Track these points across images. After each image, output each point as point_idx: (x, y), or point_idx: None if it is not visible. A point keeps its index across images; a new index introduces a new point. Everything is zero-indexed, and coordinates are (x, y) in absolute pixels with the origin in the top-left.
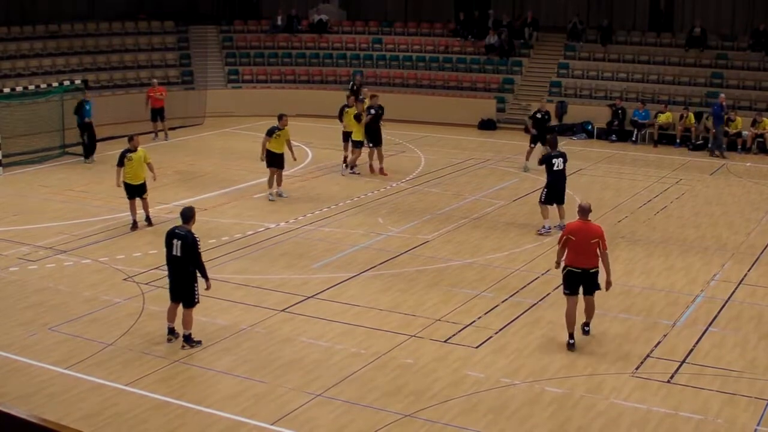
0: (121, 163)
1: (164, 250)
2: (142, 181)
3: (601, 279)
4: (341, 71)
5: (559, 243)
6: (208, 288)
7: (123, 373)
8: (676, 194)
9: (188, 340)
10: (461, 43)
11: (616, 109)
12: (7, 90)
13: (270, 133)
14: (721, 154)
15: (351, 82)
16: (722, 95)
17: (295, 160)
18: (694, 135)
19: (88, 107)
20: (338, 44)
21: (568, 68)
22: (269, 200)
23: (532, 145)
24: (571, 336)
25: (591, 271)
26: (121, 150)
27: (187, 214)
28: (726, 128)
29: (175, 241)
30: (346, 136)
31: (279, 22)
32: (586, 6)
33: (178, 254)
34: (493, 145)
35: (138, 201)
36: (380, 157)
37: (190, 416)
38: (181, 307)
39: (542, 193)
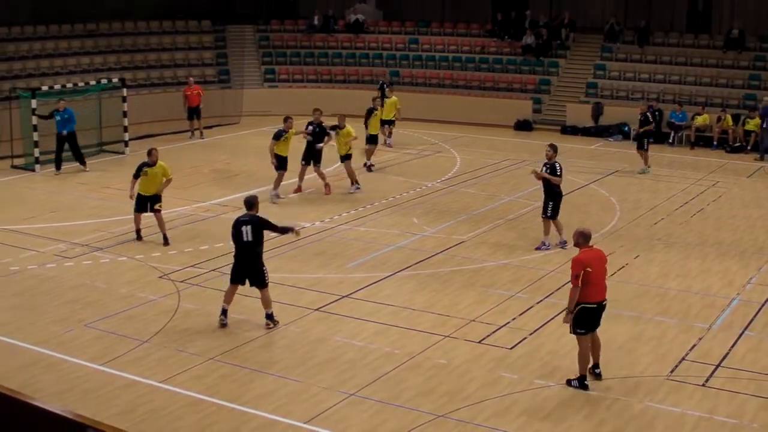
0: (137, 176)
1: (231, 243)
2: (154, 193)
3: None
4: (377, 71)
5: (575, 281)
6: (298, 233)
7: (158, 370)
8: (713, 197)
9: (270, 318)
10: (498, 44)
11: (653, 110)
12: (45, 88)
13: (278, 137)
14: (762, 156)
15: (381, 81)
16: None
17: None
18: (732, 137)
19: (59, 118)
20: (374, 44)
21: (605, 69)
22: (273, 203)
23: (641, 151)
24: (585, 377)
25: (605, 303)
26: (139, 162)
27: (251, 202)
28: None
29: (243, 228)
30: (374, 138)
31: (315, 22)
32: (624, 7)
33: (250, 239)
34: (529, 146)
35: (144, 215)
36: (320, 176)
37: (224, 414)
38: (248, 288)
39: (548, 207)
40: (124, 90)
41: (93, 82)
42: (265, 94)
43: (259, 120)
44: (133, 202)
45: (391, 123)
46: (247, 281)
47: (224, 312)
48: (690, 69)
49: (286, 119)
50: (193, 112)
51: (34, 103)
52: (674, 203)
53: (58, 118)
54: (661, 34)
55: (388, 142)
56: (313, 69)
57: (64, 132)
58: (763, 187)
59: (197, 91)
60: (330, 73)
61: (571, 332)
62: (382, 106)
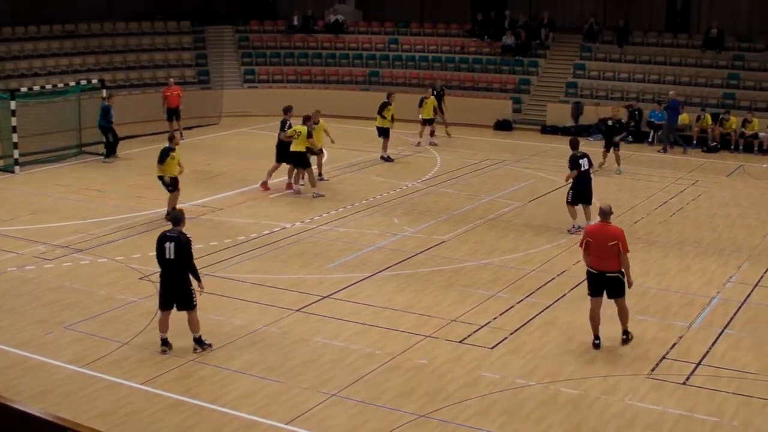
0: (163, 161)
1: (154, 255)
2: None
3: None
4: (357, 71)
5: (581, 246)
6: (201, 289)
7: (138, 372)
8: (693, 196)
9: (199, 342)
10: (477, 44)
11: (633, 110)
12: (24, 89)
13: (310, 134)
14: (664, 149)
15: (432, 88)
16: (672, 92)
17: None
18: (711, 136)
19: (112, 112)
20: (354, 44)
21: (585, 69)
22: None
23: (605, 150)
24: (597, 336)
25: (608, 274)
26: (163, 148)
27: (178, 217)
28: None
29: (167, 244)
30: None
31: (295, 23)
32: (603, 7)
33: (172, 257)
34: (509, 146)
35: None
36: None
37: (205, 415)
38: (174, 314)
39: (568, 193)
40: (104, 91)
41: (72, 84)
42: (245, 94)
43: (238, 121)
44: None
45: (430, 122)
46: (175, 306)
47: (164, 342)
48: (669, 68)
49: (311, 115)
50: (173, 113)
51: (13, 104)
52: (654, 202)
53: (112, 112)
54: (640, 33)
55: (419, 141)
56: (293, 69)
57: (112, 122)
58: (742, 186)
59: (177, 92)
60: (310, 73)
61: None
62: (442, 112)
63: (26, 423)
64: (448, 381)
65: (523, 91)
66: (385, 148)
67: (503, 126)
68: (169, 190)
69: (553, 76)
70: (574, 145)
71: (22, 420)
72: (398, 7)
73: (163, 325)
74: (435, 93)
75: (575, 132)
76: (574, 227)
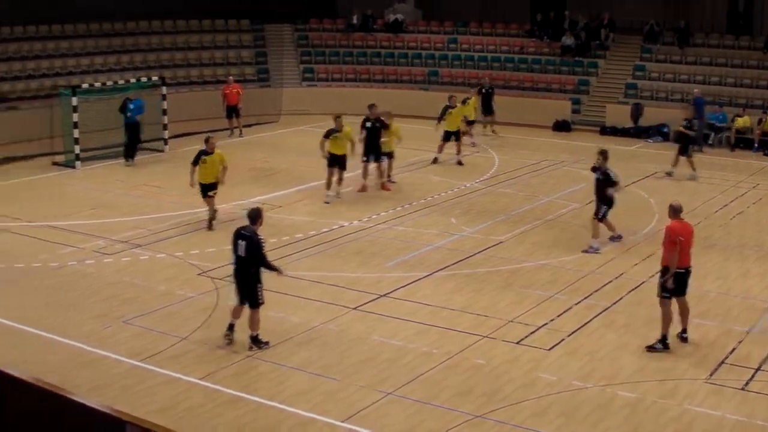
0: (195, 162)
1: (231, 249)
2: (212, 181)
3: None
4: (416, 71)
5: (670, 248)
6: (280, 274)
7: (196, 367)
8: (753, 199)
9: (256, 341)
10: (536, 44)
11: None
12: (85, 86)
13: (328, 134)
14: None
15: (479, 86)
16: (696, 90)
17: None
18: None
19: (132, 106)
20: (413, 44)
21: (645, 70)
22: (325, 203)
23: (678, 155)
24: (666, 337)
25: (690, 269)
26: (198, 150)
27: (254, 215)
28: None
29: (240, 241)
30: (447, 135)
31: (354, 21)
32: (663, 8)
33: (243, 255)
34: (568, 147)
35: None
36: (381, 173)
37: (262, 411)
38: (246, 308)
39: (601, 209)
40: (164, 88)
41: (133, 81)
42: (304, 93)
43: (298, 119)
44: (195, 189)
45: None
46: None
47: (230, 327)
48: (730, 70)
49: (337, 118)
50: (232, 111)
51: (75, 100)
52: (714, 205)
53: (131, 106)
54: (702, 35)
55: (472, 141)
56: (352, 68)
57: (137, 119)
58: None
59: (236, 90)
60: (369, 72)
61: (657, 295)
62: (493, 112)
63: (86, 415)
64: (505, 382)
65: (582, 91)
66: (458, 150)
67: (562, 127)
68: (204, 195)
69: (612, 77)
70: (607, 157)
71: (81, 412)
72: (458, 7)
73: (237, 312)
74: (483, 92)
75: (634, 133)
76: (593, 248)
